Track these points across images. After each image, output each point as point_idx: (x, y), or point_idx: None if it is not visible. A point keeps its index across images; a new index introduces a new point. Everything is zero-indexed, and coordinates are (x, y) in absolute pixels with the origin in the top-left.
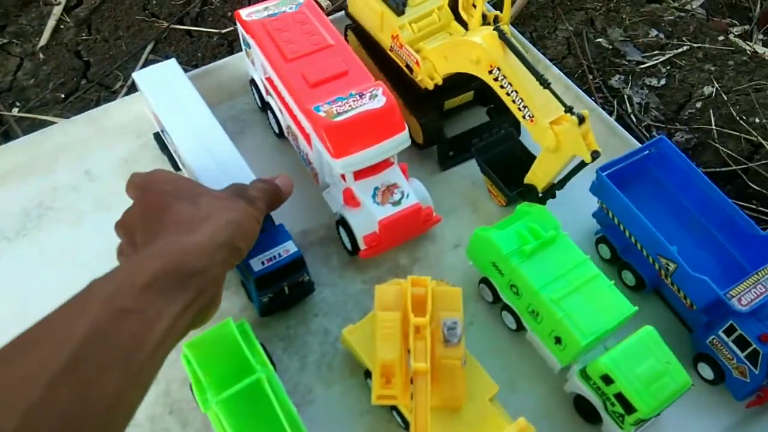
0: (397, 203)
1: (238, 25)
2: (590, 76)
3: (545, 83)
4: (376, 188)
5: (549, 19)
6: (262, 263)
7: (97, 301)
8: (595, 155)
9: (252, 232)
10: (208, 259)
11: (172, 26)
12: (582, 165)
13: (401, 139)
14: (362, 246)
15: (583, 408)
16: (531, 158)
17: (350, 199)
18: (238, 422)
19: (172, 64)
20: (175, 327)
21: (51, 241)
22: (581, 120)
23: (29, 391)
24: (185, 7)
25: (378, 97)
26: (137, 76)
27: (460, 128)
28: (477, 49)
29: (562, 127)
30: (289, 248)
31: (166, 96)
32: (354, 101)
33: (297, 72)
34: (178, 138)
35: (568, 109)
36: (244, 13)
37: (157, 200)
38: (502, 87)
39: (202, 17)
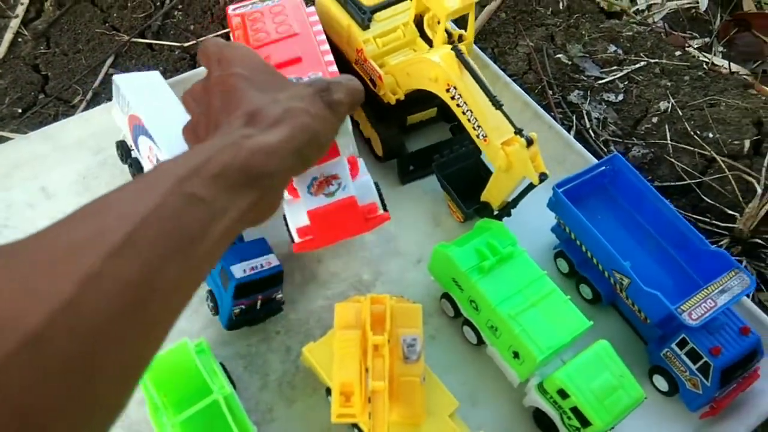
0: (330, 195)
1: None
2: (550, 92)
3: (497, 104)
4: (314, 178)
5: (510, 35)
6: (244, 271)
7: (167, 180)
8: (542, 177)
9: (327, 143)
10: (277, 164)
11: (133, 39)
12: (531, 186)
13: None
14: (296, 238)
15: (542, 421)
16: (490, 176)
17: (290, 188)
18: None
19: (155, 75)
20: (236, 225)
21: None
22: (529, 142)
23: (87, 259)
24: (146, 20)
25: None
26: (118, 78)
27: (423, 143)
28: (435, 68)
29: (512, 149)
30: (271, 261)
31: (148, 100)
32: None
33: None
34: (160, 139)
35: (518, 131)
36: (232, 8)
37: (230, 82)
38: (458, 106)
39: (164, 31)
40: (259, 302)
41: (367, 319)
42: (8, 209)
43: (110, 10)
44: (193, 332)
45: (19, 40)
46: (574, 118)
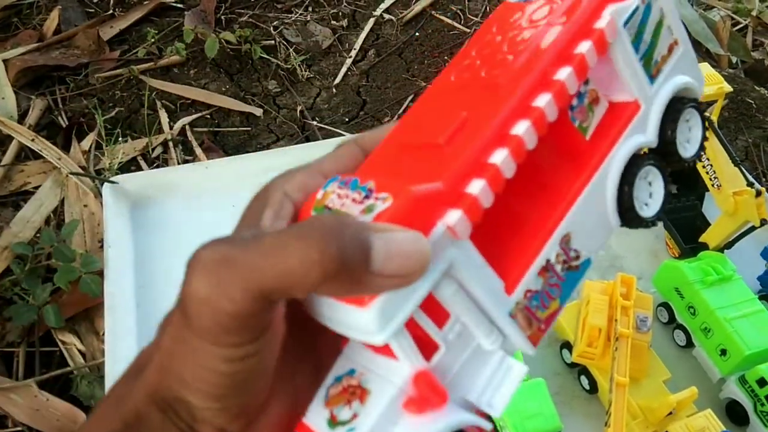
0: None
1: None
2: (764, 179)
3: (736, 161)
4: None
5: (731, 129)
6: None
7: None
8: (763, 222)
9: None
10: None
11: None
12: (751, 229)
13: None
14: None
15: (733, 412)
16: (706, 226)
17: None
18: None
19: None
20: None
21: None
22: (758, 193)
23: None
24: (437, 74)
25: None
26: None
27: None
28: None
29: (742, 198)
30: None
31: None
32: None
33: None
34: None
35: (750, 184)
36: None
37: None
38: (699, 160)
39: None
40: None
41: (617, 287)
42: None
43: (412, 63)
44: None
45: (349, 73)
46: None
